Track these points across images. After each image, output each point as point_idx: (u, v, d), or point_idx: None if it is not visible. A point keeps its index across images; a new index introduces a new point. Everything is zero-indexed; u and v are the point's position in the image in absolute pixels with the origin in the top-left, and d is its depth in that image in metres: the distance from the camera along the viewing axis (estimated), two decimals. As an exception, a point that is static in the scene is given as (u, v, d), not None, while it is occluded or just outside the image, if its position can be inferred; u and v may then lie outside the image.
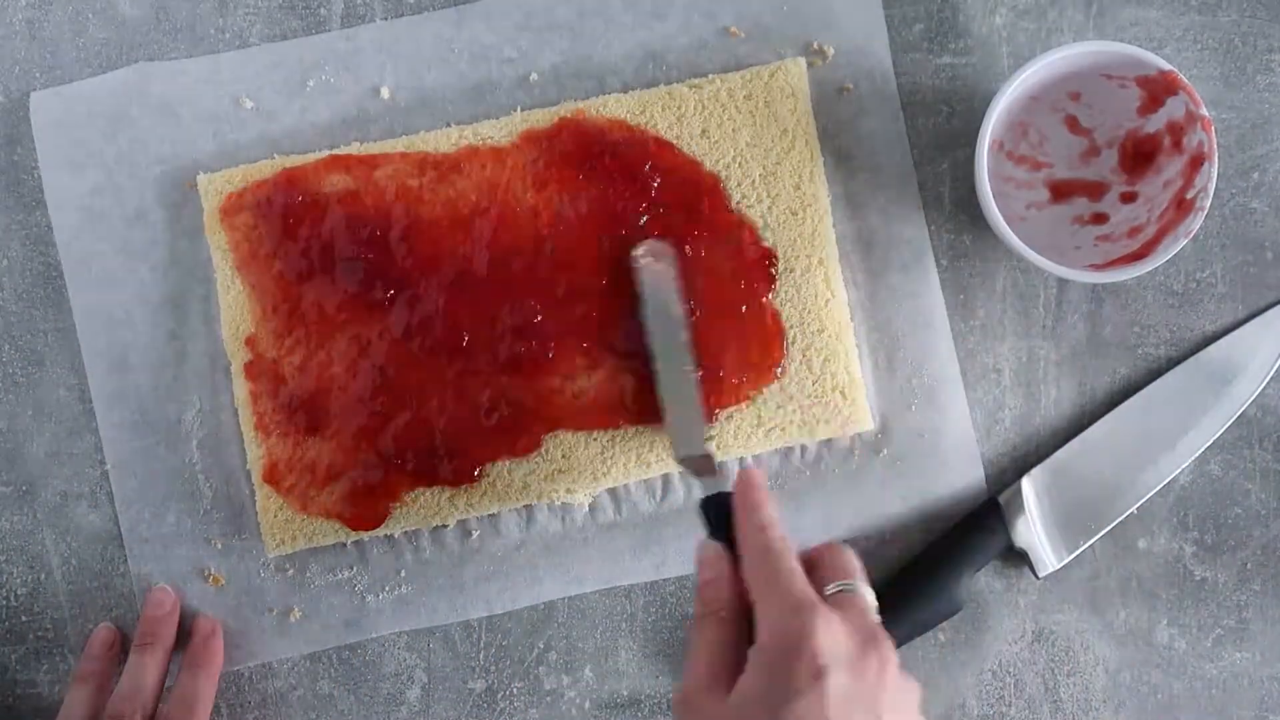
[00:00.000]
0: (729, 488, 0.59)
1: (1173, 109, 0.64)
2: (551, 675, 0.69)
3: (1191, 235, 0.63)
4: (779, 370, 0.67)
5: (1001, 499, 0.68)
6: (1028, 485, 0.67)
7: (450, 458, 0.66)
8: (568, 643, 0.69)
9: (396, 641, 0.69)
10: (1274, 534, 0.69)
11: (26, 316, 0.70)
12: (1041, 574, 0.67)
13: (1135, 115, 0.66)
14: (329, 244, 0.67)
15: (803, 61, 0.68)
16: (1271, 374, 0.68)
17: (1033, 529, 0.67)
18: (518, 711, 0.69)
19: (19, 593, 0.70)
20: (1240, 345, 0.69)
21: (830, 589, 0.55)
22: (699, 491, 0.61)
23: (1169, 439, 0.68)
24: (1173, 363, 0.69)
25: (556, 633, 0.69)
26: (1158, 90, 0.64)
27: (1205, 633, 0.69)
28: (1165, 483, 0.68)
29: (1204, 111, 0.63)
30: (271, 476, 0.67)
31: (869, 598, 0.55)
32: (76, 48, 0.70)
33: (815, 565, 0.56)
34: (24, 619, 0.70)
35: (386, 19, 0.70)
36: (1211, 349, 0.69)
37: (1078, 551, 0.68)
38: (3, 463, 0.70)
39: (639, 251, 0.66)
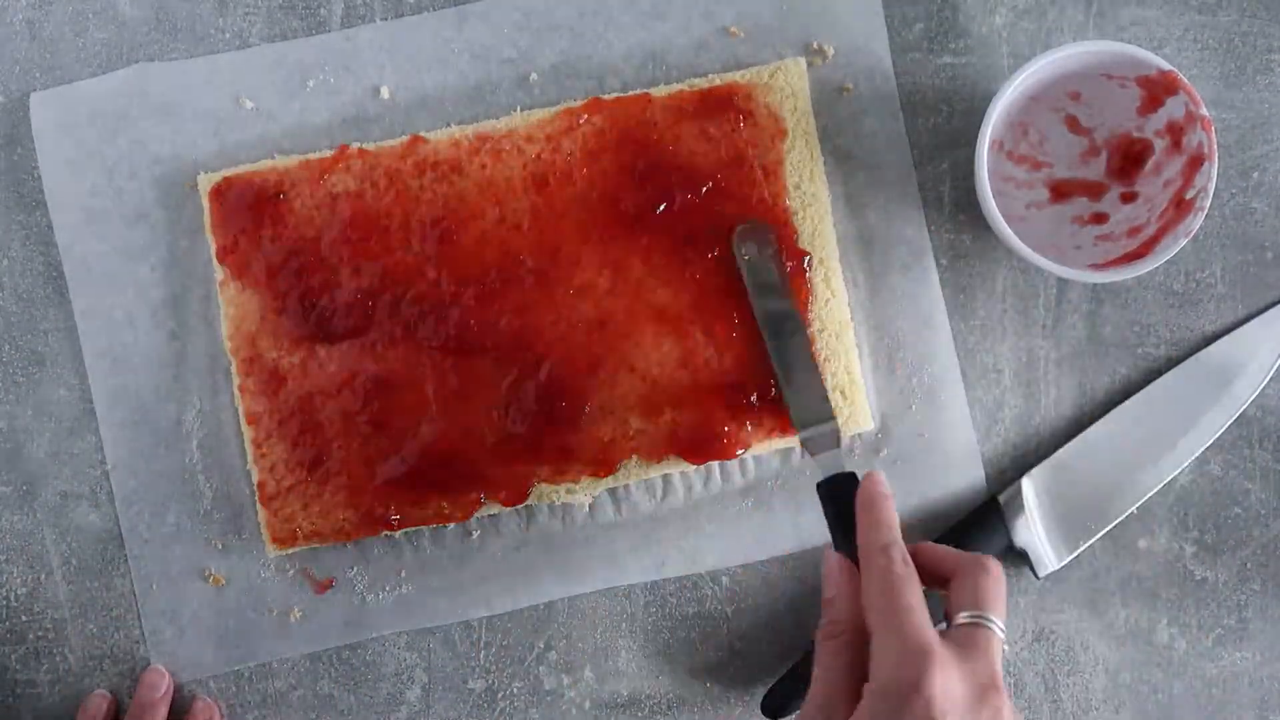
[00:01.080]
0: (848, 468, 0.60)
1: (1173, 109, 0.64)
2: (551, 675, 0.69)
3: (1191, 235, 0.63)
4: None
5: (1002, 499, 0.68)
6: (1028, 485, 0.67)
7: (452, 479, 0.67)
8: (568, 643, 0.69)
9: (396, 641, 0.69)
10: (1274, 534, 0.69)
11: (26, 316, 0.70)
12: (1041, 574, 0.67)
13: (1135, 115, 0.66)
14: (329, 247, 0.67)
15: (803, 61, 0.68)
16: (1271, 374, 0.68)
17: (1033, 529, 0.67)
18: (518, 711, 0.69)
19: (19, 593, 0.70)
20: (1240, 345, 0.69)
21: (961, 618, 0.53)
22: (810, 474, 0.62)
23: (1169, 439, 0.68)
24: (1173, 363, 0.69)
25: (556, 633, 0.69)
26: (1158, 90, 0.64)
27: (1205, 633, 0.69)
28: (1165, 483, 0.68)
29: (1204, 111, 0.63)
30: (271, 477, 0.67)
31: (998, 633, 0.53)
32: (76, 48, 0.70)
33: (954, 579, 0.55)
34: (24, 619, 0.70)
35: (386, 19, 0.70)
36: (1211, 349, 0.69)
37: (1078, 551, 0.68)
38: (3, 463, 0.70)
39: (741, 232, 0.66)
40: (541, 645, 0.69)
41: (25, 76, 0.70)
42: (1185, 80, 0.63)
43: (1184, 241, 0.63)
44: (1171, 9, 0.70)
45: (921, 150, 0.69)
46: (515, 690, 0.69)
